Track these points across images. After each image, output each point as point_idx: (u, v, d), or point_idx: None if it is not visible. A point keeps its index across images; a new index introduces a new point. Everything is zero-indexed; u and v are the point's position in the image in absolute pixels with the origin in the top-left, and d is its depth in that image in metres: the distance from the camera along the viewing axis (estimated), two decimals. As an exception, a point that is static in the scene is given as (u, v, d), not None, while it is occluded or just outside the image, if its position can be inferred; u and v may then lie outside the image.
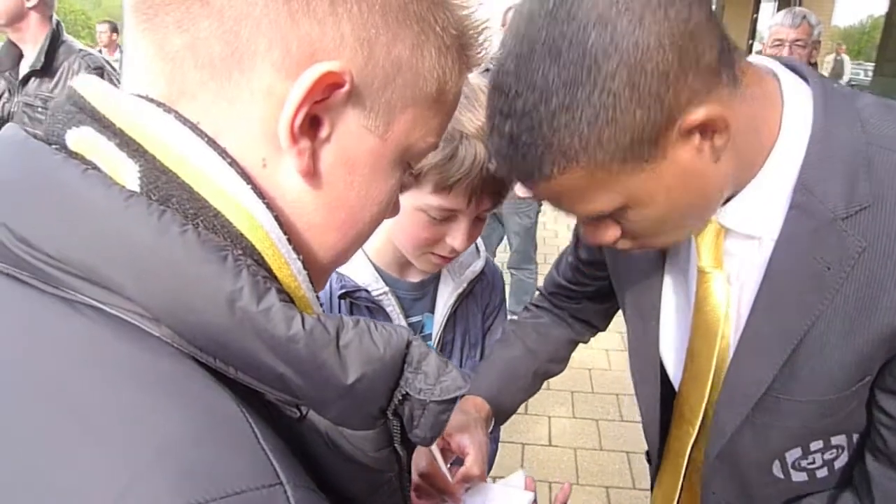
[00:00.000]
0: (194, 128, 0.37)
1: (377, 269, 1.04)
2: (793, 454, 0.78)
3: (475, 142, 0.85)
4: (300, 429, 0.39)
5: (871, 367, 0.68)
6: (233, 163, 0.38)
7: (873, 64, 6.60)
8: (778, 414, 0.74)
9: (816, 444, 0.77)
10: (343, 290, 1.00)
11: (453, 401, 0.41)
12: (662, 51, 0.54)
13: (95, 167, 0.36)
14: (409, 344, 0.40)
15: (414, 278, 1.08)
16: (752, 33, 12.70)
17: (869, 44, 6.35)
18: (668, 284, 0.87)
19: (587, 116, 0.56)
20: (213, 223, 0.36)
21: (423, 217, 0.91)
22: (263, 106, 0.37)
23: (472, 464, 0.92)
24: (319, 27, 0.37)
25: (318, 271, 0.45)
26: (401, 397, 0.41)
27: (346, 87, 0.38)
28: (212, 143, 0.37)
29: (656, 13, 0.54)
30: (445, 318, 1.10)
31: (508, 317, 3.95)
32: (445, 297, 1.10)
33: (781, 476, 0.80)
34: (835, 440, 0.76)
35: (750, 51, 12.49)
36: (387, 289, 1.03)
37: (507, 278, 3.94)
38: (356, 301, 1.02)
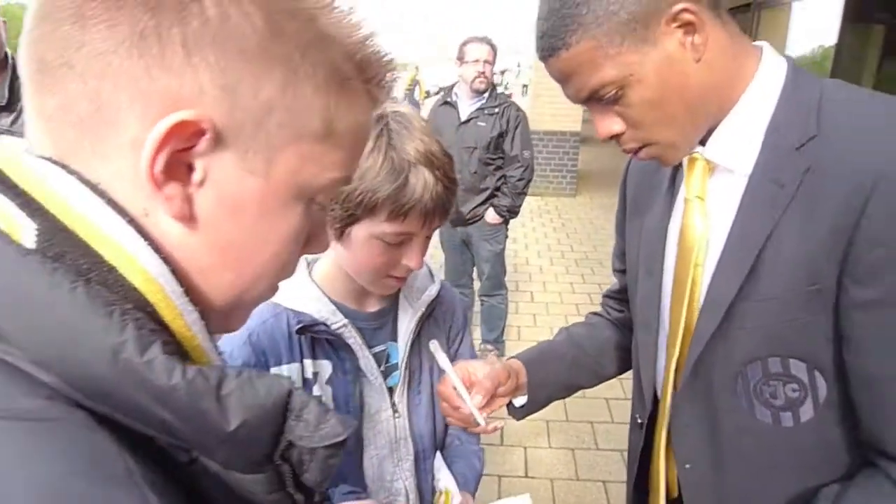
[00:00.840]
0: (94, 188, 0.39)
1: (334, 303, 1.03)
2: (754, 371, 0.85)
3: (422, 168, 0.89)
4: (193, 472, 0.41)
5: (817, 275, 0.77)
6: (132, 221, 0.39)
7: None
8: (742, 318, 0.84)
9: (775, 364, 0.84)
10: (300, 325, 0.99)
11: (341, 445, 0.44)
12: None
13: None
14: (290, 393, 0.42)
15: (372, 308, 1.08)
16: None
17: (821, 72, 6.59)
18: (671, 239, 0.97)
19: None
20: (106, 278, 0.38)
21: (379, 244, 0.93)
22: (133, 158, 0.39)
23: (482, 378, 1.04)
24: (177, 79, 0.38)
25: (223, 312, 0.47)
26: (287, 443, 0.43)
27: (209, 134, 0.39)
28: (111, 202, 0.39)
29: None
30: (409, 345, 1.10)
31: (482, 345, 3.90)
32: (406, 323, 1.10)
33: (745, 405, 0.87)
34: (794, 367, 0.83)
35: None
36: (346, 321, 1.02)
37: (478, 306, 3.92)
38: (316, 335, 1.01)
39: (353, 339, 1.03)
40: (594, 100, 0.82)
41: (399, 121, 0.91)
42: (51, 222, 0.37)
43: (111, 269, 0.38)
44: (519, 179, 3.45)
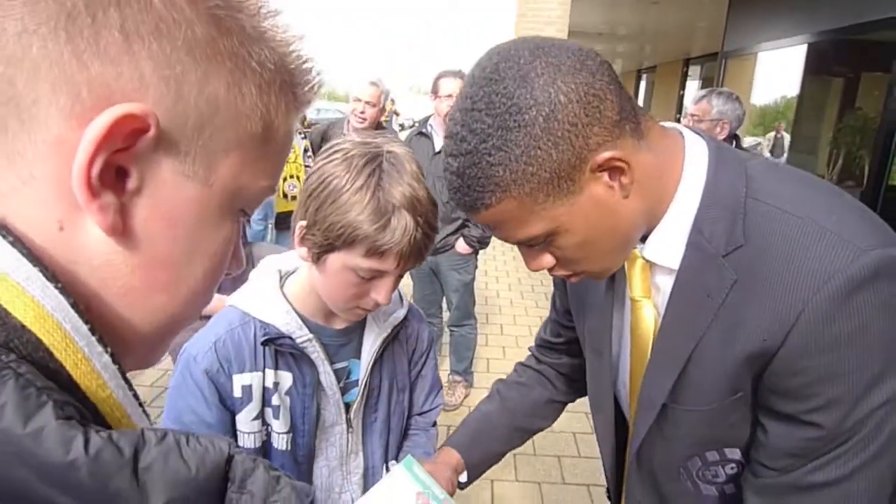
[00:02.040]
0: None
1: (301, 317, 1.05)
2: (694, 463, 0.87)
3: (405, 213, 0.91)
4: None
5: (738, 384, 0.78)
6: (16, 242, 0.32)
7: (789, 139, 7.10)
8: (675, 422, 0.86)
9: (712, 455, 0.85)
10: (266, 337, 1.00)
11: None
12: (571, 105, 0.67)
13: None
14: (230, 459, 0.35)
15: (339, 325, 1.10)
16: (679, 108, 13.56)
17: (784, 121, 6.90)
18: (616, 319, 0.97)
19: (515, 155, 0.68)
20: None
21: (352, 275, 0.95)
22: (53, 160, 0.33)
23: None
24: (114, 67, 0.33)
25: (149, 343, 0.41)
26: None
27: (153, 132, 0.34)
28: None
29: (566, 77, 0.68)
30: (371, 363, 1.12)
31: (450, 376, 3.86)
32: (371, 343, 1.13)
33: (691, 487, 0.89)
34: (729, 453, 0.85)
35: (678, 123, 13.33)
36: (311, 336, 1.04)
37: (447, 337, 3.89)
38: (280, 348, 1.02)
39: (316, 353, 1.05)
40: (524, 244, 0.80)
41: (392, 162, 0.94)
42: None
43: None
44: (491, 210, 3.48)
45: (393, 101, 14.38)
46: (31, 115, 0.32)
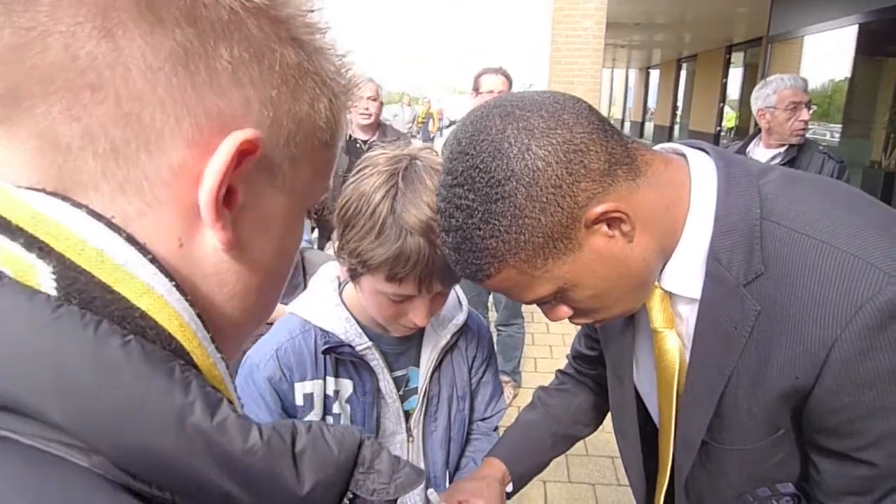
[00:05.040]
0: (109, 223, 0.33)
1: (360, 325, 1.04)
2: (745, 500, 0.84)
3: (418, 237, 0.86)
4: None
5: (778, 421, 0.74)
6: (154, 259, 0.34)
7: (840, 125, 6.83)
8: (718, 461, 0.82)
9: (764, 492, 0.82)
10: (327, 346, 1.00)
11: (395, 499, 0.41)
12: (550, 168, 0.66)
13: (3, 275, 0.30)
14: (361, 444, 0.40)
15: (397, 333, 1.08)
16: (723, 97, 13.21)
17: (832, 106, 6.64)
18: (638, 347, 0.93)
19: (504, 225, 0.68)
20: (140, 325, 0.33)
21: (384, 298, 0.94)
22: (176, 184, 0.35)
23: None
24: (225, 95, 0.35)
25: (243, 335, 0.44)
26: (348, 501, 0.39)
27: (259, 153, 0.36)
28: (130, 238, 0.34)
29: (541, 140, 0.67)
30: (430, 372, 1.10)
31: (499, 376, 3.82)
32: (429, 351, 1.11)
33: None
34: (782, 488, 0.81)
35: (721, 113, 12.95)
36: (370, 343, 1.04)
37: (494, 336, 3.88)
38: (340, 356, 1.02)
39: (376, 361, 1.05)
40: (536, 304, 0.78)
41: (410, 179, 0.89)
42: (63, 263, 0.31)
43: (143, 315, 0.33)
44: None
45: (429, 102, 14.41)
46: (157, 145, 0.34)
